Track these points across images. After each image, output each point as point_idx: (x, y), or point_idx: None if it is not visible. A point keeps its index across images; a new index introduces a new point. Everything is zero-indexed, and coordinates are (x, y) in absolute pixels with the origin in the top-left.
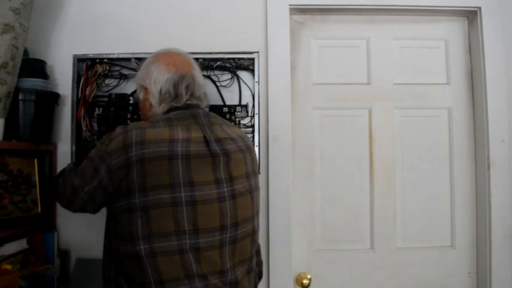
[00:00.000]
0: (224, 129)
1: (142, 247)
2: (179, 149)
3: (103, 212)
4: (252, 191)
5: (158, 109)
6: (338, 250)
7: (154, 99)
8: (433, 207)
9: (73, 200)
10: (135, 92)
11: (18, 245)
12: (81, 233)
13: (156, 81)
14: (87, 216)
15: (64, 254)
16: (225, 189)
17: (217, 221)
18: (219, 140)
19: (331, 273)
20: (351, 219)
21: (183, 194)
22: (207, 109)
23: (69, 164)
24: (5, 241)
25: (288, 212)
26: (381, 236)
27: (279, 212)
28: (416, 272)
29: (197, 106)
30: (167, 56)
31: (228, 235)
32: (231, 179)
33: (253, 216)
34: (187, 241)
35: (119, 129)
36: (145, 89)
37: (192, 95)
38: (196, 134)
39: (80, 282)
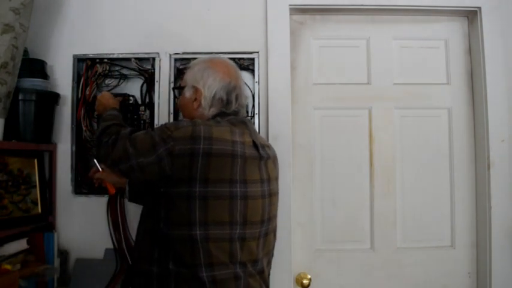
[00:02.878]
0: (262, 137)
1: (198, 232)
2: (238, 149)
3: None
4: (278, 192)
5: (206, 111)
6: (338, 250)
7: (205, 101)
8: (433, 207)
9: (121, 162)
10: (177, 87)
11: (18, 245)
12: (81, 233)
13: (210, 87)
14: (87, 216)
15: (64, 254)
16: (266, 188)
17: (259, 215)
18: (262, 146)
19: (331, 273)
20: (351, 219)
21: (238, 189)
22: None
23: (117, 125)
24: (5, 241)
25: (288, 212)
26: (381, 236)
27: (279, 212)
28: (416, 272)
29: (241, 113)
30: (223, 66)
31: (264, 228)
32: (268, 180)
33: (276, 213)
34: (237, 231)
35: (186, 121)
36: (197, 90)
37: (239, 104)
38: (248, 138)
39: (80, 282)
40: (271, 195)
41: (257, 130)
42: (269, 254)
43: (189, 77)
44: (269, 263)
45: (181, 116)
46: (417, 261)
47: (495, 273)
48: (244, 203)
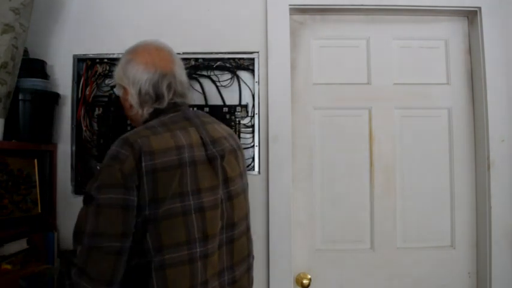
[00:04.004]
0: (216, 128)
1: (153, 259)
2: (186, 155)
3: None
4: (244, 190)
5: (140, 111)
6: (338, 250)
7: (134, 100)
8: (433, 207)
9: (117, 269)
10: (113, 86)
11: (18, 245)
12: None
13: (134, 82)
14: None
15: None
16: (224, 192)
17: (219, 225)
18: (214, 141)
19: (331, 273)
20: (351, 219)
21: (191, 202)
22: (195, 108)
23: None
24: (5, 241)
25: (288, 212)
26: (381, 236)
27: (279, 212)
28: (416, 272)
29: (182, 104)
30: (145, 53)
31: (224, 235)
32: (226, 181)
33: (247, 214)
34: (198, 249)
35: (122, 148)
36: (124, 89)
37: (174, 93)
38: (195, 137)
39: None
40: (231, 198)
41: (257, 130)
42: (246, 260)
43: (115, 74)
44: (249, 268)
45: None
46: (417, 261)
47: (495, 273)
48: (201, 216)
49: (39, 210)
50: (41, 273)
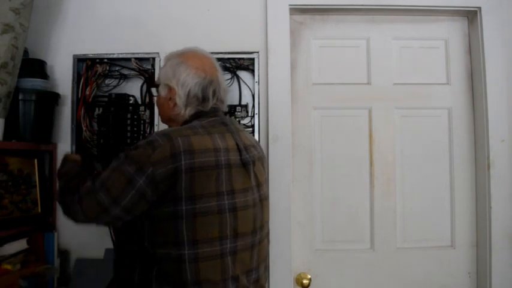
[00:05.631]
0: (246, 136)
1: (186, 252)
2: (222, 158)
3: None
4: (268, 196)
5: (183, 111)
6: (338, 250)
7: (180, 100)
8: (433, 207)
9: (100, 217)
10: (155, 85)
11: (18, 245)
12: (81, 233)
13: (184, 84)
14: None
15: (64, 254)
16: (256, 195)
17: (251, 225)
18: (246, 147)
19: (331, 273)
20: (351, 219)
21: (226, 202)
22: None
23: (75, 180)
24: (5, 241)
25: (288, 212)
26: (381, 236)
27: (279, 212)
28: (416, 272)
29: (221, 110)
30: (196, 59)
31: (257, 237)
32: (258, 185)
33: (268, 218)
34: (228, 245)
35: (160, 138)
36: (170, 89)
37: (217, 99)
38: (231, 142)
39: (80, 282)
40: (262, 200)
41: (257, 130)
42: (265, 260)
43: (162, 74)
44: (266, 268)
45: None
46: (417, 261)
47: (495, 273)
48: (233, 215)
49: (39, 210)
50: (41, 273)
